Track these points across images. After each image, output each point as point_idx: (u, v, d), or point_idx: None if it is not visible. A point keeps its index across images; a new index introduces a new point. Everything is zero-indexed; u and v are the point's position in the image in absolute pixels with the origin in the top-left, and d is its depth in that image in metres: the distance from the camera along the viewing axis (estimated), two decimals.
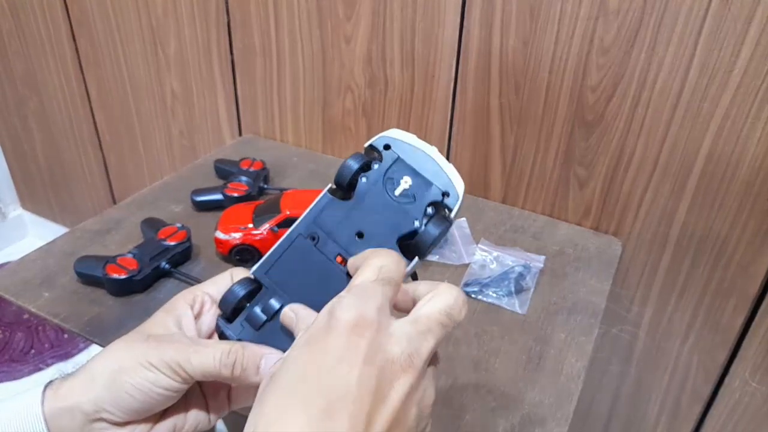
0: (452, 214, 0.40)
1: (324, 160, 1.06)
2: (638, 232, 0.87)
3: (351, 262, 0.39)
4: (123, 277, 0.69)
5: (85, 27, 1.25)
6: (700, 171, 0.79)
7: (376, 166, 0.41)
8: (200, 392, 0.42)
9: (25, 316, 1.58)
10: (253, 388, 0.37)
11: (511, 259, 0.79)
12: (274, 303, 0.39)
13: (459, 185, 0.40)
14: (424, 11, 0.87)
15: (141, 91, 1.26)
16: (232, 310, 0.40)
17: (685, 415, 0.98)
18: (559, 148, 0.87)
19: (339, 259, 0.40)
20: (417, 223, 0.39)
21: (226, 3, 1.04)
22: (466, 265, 0.79)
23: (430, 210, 0.40)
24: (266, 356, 0.38)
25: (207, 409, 0.42)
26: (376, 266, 0.35)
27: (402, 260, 0.37)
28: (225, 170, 0.94)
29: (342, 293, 0.34)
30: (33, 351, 1.49)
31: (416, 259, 0.39)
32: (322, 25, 0.96)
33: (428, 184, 0.40)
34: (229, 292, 0.40)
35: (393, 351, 0.31)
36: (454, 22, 0.85)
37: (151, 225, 0.79)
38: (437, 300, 0.34)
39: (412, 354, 0.31)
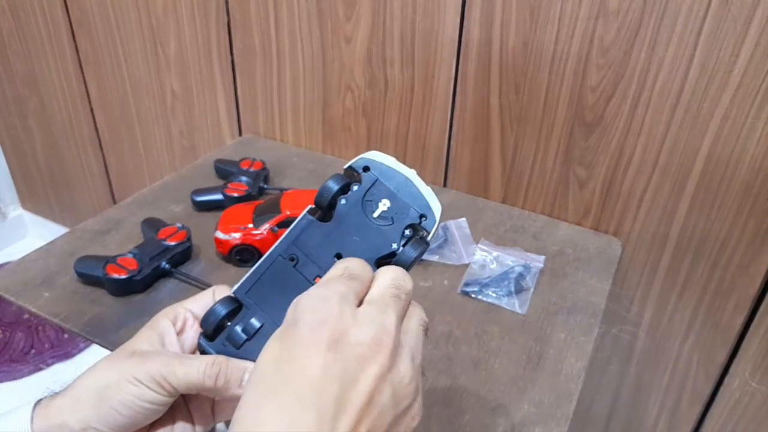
0: (429, 236, 0.40)
1: (324, 160, 1.06)
2: (638, 232, 0.87)
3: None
4: (123, 277, 0.69)
5: (85, 27, 1.25)
6: (700, 171, 0.79)
7: (355, 188, 0.41)
8: (185, 406, 0.43)
9: (26, 316, 1.58)
10: (237, 401, 0.36)
11: (511, 259, 0.79)
12: (255, 322, 0.40)
13: (436, 208, 0.41)
14: (424, 11, 0.87)
15: (141, 90, 1.26)
16: (213, 329, 0.40)
17: (684, 414, 0.98)
18: (559, 148, 0.87)
19: (318, 279, 0.40)
20: (395, 246, 0.40)
21: (226, 3, 1.04)
22: (466, 265, 0.79)
23: (407, 232, 0.40)
24: (248, 369, 0.38)
25: (192, 422, 0.42)
26: (342, 266, 0.36)
27: (367, 264, 0.37)
28: (225, 170, 0.94)
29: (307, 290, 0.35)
30: (33, 351, 1.49)
31: None
32: (322, 26, 0.96)
33: (406, 206, 0.41)
34: (211, 312, 0.40)
35: (358, 335, 0.31)
36: (454, 22, 0.85)
37: (151, 225, 0.79)
38: (381, 279, 0.35)
39: (378, 333, 0.32)
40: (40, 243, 0.78)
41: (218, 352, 0.40)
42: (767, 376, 0.87)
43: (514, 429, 0.57)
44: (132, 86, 1.27)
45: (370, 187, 0.41)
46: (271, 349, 0.32)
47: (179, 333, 0.43)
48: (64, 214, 1.70)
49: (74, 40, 1.29)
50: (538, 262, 0.79)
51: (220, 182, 0.91)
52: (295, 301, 0.34)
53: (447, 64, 0.89)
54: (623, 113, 0.80)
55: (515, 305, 0.73)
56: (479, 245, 0.82)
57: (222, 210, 0.80)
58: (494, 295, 0.74)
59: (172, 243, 0.74)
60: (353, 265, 0.36)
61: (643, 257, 0.89)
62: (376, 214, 0.41)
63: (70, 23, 1.27)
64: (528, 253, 0.81)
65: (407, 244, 0.39)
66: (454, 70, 0.89)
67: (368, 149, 1.04)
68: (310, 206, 0.42)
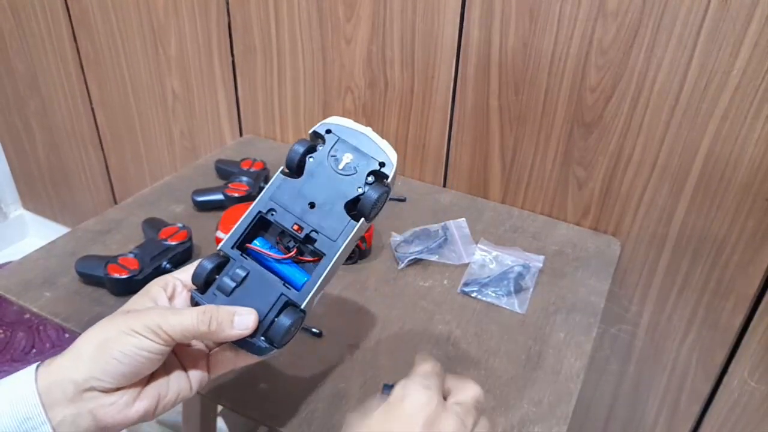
0: (389, 180, 0.46)
1: None
2: (637, 232, 0.88)
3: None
4: (124, 276, 0.69)
5: (86, 27, 1.25)
6: (699, 171, 0.79)
7: (320, 148, 0.47)
8: (179, 363, 0.47)
9: (27, 316, 1.58)
10: (230, 359, 0.47)
11: (510, 259, 0.80)
12: (240, 272, 0.45)
13: (392, 155, 0.46)
14: (424, 12, 0.87)
15: (142, 91, 1.26)
16: (203, 281, 0.45)
17: (684, 414, 0.98)
18: (558, 149, 0.88)
19: (296, 227, 0.46)
20: (360, 190, 0.46)
21: (227, 4, 1.04)
22: (466, 265, 0.79)
23: (370, 179, 0.46)
24: (238, 312, 0.44)
25: (188, 378, 0.46)
26: (431, 363, 0.43)
27: (438, 365, 0.44)
28: (226, 170, 0.95)
29: (412, 377, 0.42)
30: (34, 351, 1.50)
31: (362, 219, 0.46)
32: (322, 26, 0.96)
33: (366, 157, 0.46)
34: (200, 266, 0.46)
35: (448, 423, 0.39)
36: (454, 23, 0.86)
37: (152, 225, 0.79)
38: (471, 390, 0.42)
39: (460, 427, 0.39)
40: (41, 243, 0.79)
41: (210, 301, 0.45)
42: (766, 375, 0.87)
43: (514, 428, 0.58)
44: (133, 86, 1.27)
45: (333, 145, 0.47)
46: (377, 416, 0.39)
47: (170, 299, 0.47)
48: (65, 214, 1.70)
49: (75, 41, 1.29)
50: (537, 261, 0.80)
51: (221, 182, 0.91)
52: (403, 383, 0.41)
53: (447, 65, 0.89)
54: (622, 113, 0.81)
55: (515, 305, 0.73)
56: (479, 245, 0.82)
57: (223, 210, 0.81)
58: (494, 294, 0.74)
59: (173, 243, 0.75)
60: (438, 365, 0.43)
61: (642, 257, 0.89)
62: (341, 166, 0.46)
63: (71, 23, 1.27)
64: (527, 253, 0.82)
65: (370, 188, 0.45)
66: (454, 71, 0.89)
67: None
68: (282, 168, 0.47)
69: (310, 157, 0.47)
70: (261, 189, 0.90)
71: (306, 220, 0.46)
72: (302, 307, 0.45)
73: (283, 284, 0.46)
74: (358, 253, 0.79)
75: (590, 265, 0.82)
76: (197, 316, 0.42)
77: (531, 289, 0.76)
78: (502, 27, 0.83)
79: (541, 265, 0.79)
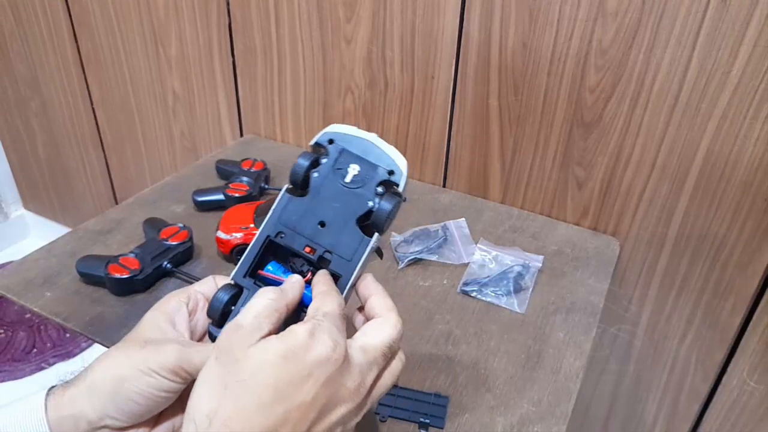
0: (400, 189, 0.43)
1: None
2: (636, 231, 0.88)
3: (315, 283, 0.42)
4: (125, 276, 0.69)
5: (87, 27, 1.25)
6: (698, 171, 0.80)
7: (324, 160, 0.44)
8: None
9: (27, 316, 1.58)
10: None
11: (510, 259, 0.80)
12: None
13: (401, 162, 0.44)
14: (424, 13, 0.87)
15: (142, 91, 1.26)
16: (220, 314, 0.42)
17: (683, 413, 0.98)
18: (557, 149, 0.88)
19: (308, 249, 0.43)
20: (371, 203, 0.43)
21: (227, 4, 1.04)
22: (466, 265, 0.79)
23: (380, 189, 0.43)
24: None
25: None
26: (337, 302, 0.41)
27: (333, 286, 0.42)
28: (226, 170, 0.95)
29: (319, 318, 0.38)
30: (35, 350, 1.50)
31: (376, 234, 0.43)
32: (322, 27, 0.97)
33: (374, 166, 0.43)
34: (215, 299, 0.42)
35: (346, 382, 0.37)
36: (454, 23, 0.86)
37: (153, 225, 0.79)
38: (383, 332, 0.40)
39: (359, 385, 0.38)
40: (41, 243, 0.79)
41: None
42: (765, 375, 0.87)
43: (513, 428, 0.58)
44: (133, 87, 1.27)
45: (337, 157, 0.44)
46: (274, 359, 0.36)
47: (191, 314, 0.44)
48: (65, 214, 1.71)
49: (76, 41, 1.29)
50: (536, 261, 0.80)
51: (222, 182, 0.91)
52: (309, 328, 0.37)
53: (447, 65, 0.89)
54: (622, 114, 0.81)
55: (514, 305, 0.73)
56: (478, 245, 0.82)
57: (223, 210, 0.81)
58: (493, 294, 0.74)
59: (174, 243, 0.75)
60: (340, 303, 0.41)
61: (642, 257, 0.89)
62: (348, 179, 0.43)
63: (72, 24, 1.27)
64: (527, 253, 0.82)
65: (382, 200, 0.42)
66: (454, 71, 0.89)
67: None
68: (286, 185, 0.44)
69: (315, 171, 0.44)
70: (261, 189, 0.91)
71: (318, 240, 0.43)
72: None
73: (303, 310, 0.42)
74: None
75: (590, 265, 0.82)
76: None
77: (530, 289, 0.76)
78: (501, 27, 0.83)
79: (540, 264, 0.80)
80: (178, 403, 0.42)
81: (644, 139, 0.81)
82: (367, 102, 1.00)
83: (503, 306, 0.73)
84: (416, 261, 0.80)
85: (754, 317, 0.84)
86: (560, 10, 0.78)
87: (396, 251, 0.81)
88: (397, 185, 0.43)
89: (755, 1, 0.67)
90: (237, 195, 0.87)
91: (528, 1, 0.79)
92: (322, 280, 0.42)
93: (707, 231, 0.82)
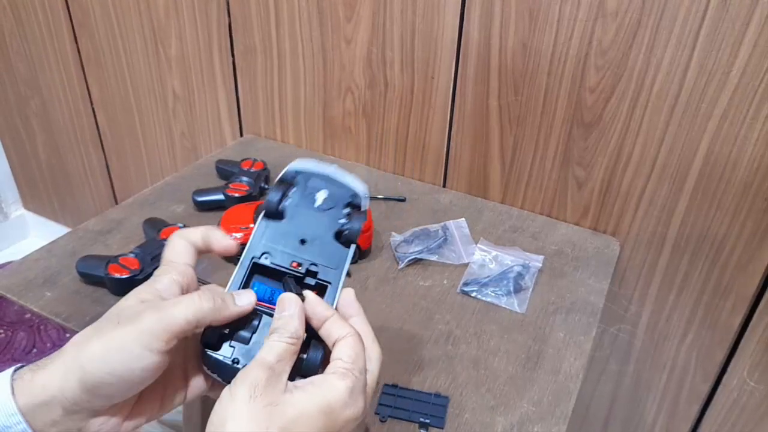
0: (364, 208, 0.49)
1: (325, 160, 1.06)
2: (636, 232, 0.88)
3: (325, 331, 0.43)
4: (125, 276, 0.69)
5: (87, 27, 1.25)
6: (698, 171, 0.80)
7: (293, 190, 0.49)
8: (181, 371, 0.44)
9: (27, 316, 1.58)
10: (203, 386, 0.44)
11: (510, 259, 0.80)
12: (254, 322, 0.44)
13: (361, 187, 0.50)
14: (424, 13, 0.87)
15: (142, 91, 1.26)
16: (217, 340, 0.43)
17: (683, 413, 0.98)
18: (557, 149, 0.88)
19: (294, 264, 0.47)
20: (342, 221, 0.48)
21: (227, 4, 1.04)
22: (466, 265, 0.79)
23: (346, 210, 0.49)
24: (236, 293, 0.43)
25: (186, 387, 0.44)
26: (363, 354, 0.42)
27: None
28: (226, 170, 0.95)
29: (357, 374, 0.40)
30: (35, 350, 1.50)
31: (353, 246, 0.48)
32: (322, 27, 0.97)
33: (338, 191, 0.49)
34: (211, 330, 0.42)
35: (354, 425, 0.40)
36: (454, 23, 0.86)
37: (153, 225, 0.79)
38: (371, 369, 0.43)
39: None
40: (42, 243, 0.79)
41: (231, 354, 0.42)
42: (765, 375, 0.87)
43: (513, 427, 0.58)
44: (133, 87, 1.27)
45: (305, 185, 0.50)
46: (317, 415, 0.38)
47: (185, 292, 0.43)
48: (65, 215, 1.71)
49: (76, 41, 1.30)
50: (536, 261, 0.80)
51: (222, 182, 0.91)
52: (350, 387, 0.39)
53: (447, 66, 0.90)
54: (622, 114, 0.81)
55: (514, 304, 0.73)
56: (478, 245, 0.82)
57: (223, 210, 0.81)
58: (493, 294, 0.74)
59: None
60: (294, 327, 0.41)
61: (642, 257, 0.89)
62: (318, 204, 0.49)
63: (72, 24, 1.27)
64: (527, 253, 0.82)
65: (352, 219, 0.48)
66: (454, 71, 0.89)
67: (368, 150, 1.05)
68: (263, 213, 0.48)
69: (287, 199, 0.49)
70: (261, 189, 0.91)
71: (302, 255, 0.47)
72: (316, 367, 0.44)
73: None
74: (359, 253, 0.79)
75: (589, 265, 0.82)
76: (198, 296, 0.40)
77: (530, 289, 0.76)
78: (501, 27, 0.83)
79: (540, 264, 0.80)
80: (158, 384, 0.41)
81: (644, 139, 0.81)
82: (367, 102, 1.00)
83: (503, 306, 0.73)
84: (416, 261, 0.80)
85: (754, 317, 0.85)
86: (560, 11, 0.78)
87: (396, 251, 0.81)
88: (359, 206, 0.49)
89: (755, 1, 0.67)
90: (237, 195, 0.87)
91: (528, 1, 0.79)
92: (360, 329, 0.44)
93: (707, 231, 0.83)
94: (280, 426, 0.36)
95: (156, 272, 0.43)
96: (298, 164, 0.50)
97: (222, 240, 0.46)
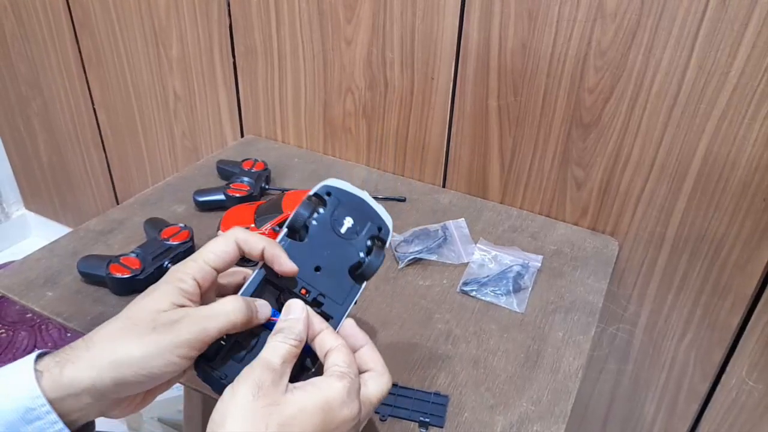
0: (386, 245, 0.49)
1: (325, 161, 1.07)
2: (635, 231, 0.88)
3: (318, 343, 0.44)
4: (126, 276, 0.70)
5: (88, 28, 1.26)
6: (697, 171, 0.80)
7: (321, 211, 0.48)
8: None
9: (29, 315, 1.58)
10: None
11: (509, 259, 0.80)
12: (252, 341, 0.44)
13: (389, 221, 0.49)
14: (424, 14, 0.87)
15: (143, 92, 1.26)
16: (214, 351, 0.43)
17: (682, 413, 0.98)
18: (556, 149, 0.88)
19: (303, 290, 0.46)
20: (362, 254, 0.48)
21: (228, 5, 1.04)
22: (465, 265, 0.80)
23: (369, 243, 0.48)
24: (257, 301, 0.44)
25: (189, 367, 0.45)
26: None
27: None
28: (227, 171, 0.95)
29: (353, 376, 0.41)
30: (36, 350, 1.50)
31: (365, 283, 0.48)
32: (322, 28, 0.97)
33: (365, 221, 0.49)
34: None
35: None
36: (453, 24, 0.86)
37: (154, 225, 0.79)
38: (380, 388, 0.43)
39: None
40: (43, 243, 0.79)
41: (220, 370, 0.43)
42: (764, 374, 0.87)
43: (513, 427, 0.58)
44: (134, 87, 1.27)
45: (334, 209, 0.48)
46: (313, 411, 0.39)
47: (205, 293, 0.44)
48: (67, 214, 1.71)
49: (77, 42, 1.30)
50: (536, 261, 0.80)
51: (222, 183, 0.91)
52: (348, 385, 0.40)
53: (446, 66, 0.90)
54: (620, 114, 0.81)
55: (513, 304, 0.73)
56: (478, 245, 0.83)
57: (224, 210, 0.81)
58: (493, 294, 0.75)
59: (175, 243, 0.75)
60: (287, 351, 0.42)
61: (640, 257, 0.89)
62: (343, 230, 0.48)
63: (73, 24, 1.28)
64: (526, 253, 0.82)
65: (371, 254, 0.48)
66: (453, 71, 0.90)
67: (368, 150, 1.05)
68: (285, 230, 0.48)
69: (313, 219, 0.48)
70: (262, 189, 0.91)
71: (313, 283, 0.46)
72: (313, 370, 0.45)
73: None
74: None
75: (588, 265, 0.82)
76: (233, 310, 0.41)
77: (530, 289, 0.76)
78: (501, 28, 0.83)
79: (539, 264, 0.80)
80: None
81: (643, 140, 0.81)
82: (367, 103, 1.00)
83: (502, 305, 0.73)
84: (416, 261, 0.80)
85: (753, 317, 0.85)
86: (559, 11, 0.78)
87: (396, 251, 0.81)
88: (385, 241, 0.49)
89: (754, 1, 0.68)
90: (238, 195, 0.87)
91: (527, 2, 0.80)
92: (351, 332, 0.45)
93: (706, 231, 0.83)
94: (279, 422, 0.37)
95: (188, 262, 0.44)
96: (331, 182, 0.50)
97: (285, 264, 0.45)
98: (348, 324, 0.46)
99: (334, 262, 0.47)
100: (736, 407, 0.92)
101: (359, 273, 0.47)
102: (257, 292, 0.46)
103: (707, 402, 0.95)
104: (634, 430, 1.05)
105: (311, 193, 0.49)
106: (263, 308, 0.44)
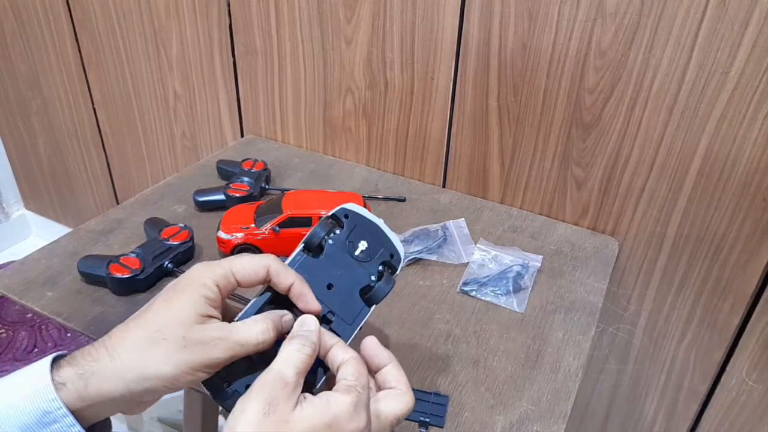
0: (397, 272, 0.51)
1: (325, 161, 1.07)
2: (635, 231, 0.88)
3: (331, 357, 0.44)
4: (126, 276, 0.70)
5: (88, 28, 1.26)
6: (697, 171, 0.80)
7: (338, 232, 0.50)
8: None
9: (29, 315, 1.58)
10: None
11: (509, 259, 0.80)
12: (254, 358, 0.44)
13: (401, 249, 0.51)
14: (424, 14, 0.87)
15: (143, 92, 1.26)
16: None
17: (682, 413, 0.98)
18: (556, 149, 0.88)
19: None
20: (373, 278, 0.49)
21: (228, 5, 1.04)
22: (465, 265, 0.80)
23: (380, 268, 0.50)
24: (284, 314, 0.45)
25: None
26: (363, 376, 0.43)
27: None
28: (227, 171, 0.95)
29: (360, 390, 0.41)
30: (36, 350, 1.50)
31: (373, 306, 0.49)
32: (322, 28, 0.97)
33: (380, 247, 0.50)
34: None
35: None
36: (454, 24, 0.86)
37: (154, 225, 0.79)
38: (401, 406, 0.43)
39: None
40: (43, 243, 0.79)
41: (224, 381, 0.43)
42: (764, 374, 0.87)
43: (513, 426, 0.58)
44: (134, 87, 1.27)
45: (351, 231, 0.50)
46: (319, 426, 0.39)
47: (226, 297, 0.45)
48: (67, 214, 1.71)
49: (77, 42, 1.30)
50: (536, 261, 0.80)
51: (222, 183, 0.91)
52: (354, 400, 0.40)
53: (446, 66, 0.90)
54: (620, 114, 0.81)
55: (513, 304, 0.73)
56: (478, 245, 0.83)
57: (224, 210, 0.81)
58: (493, 294, 0.75)
59: (175, 243, 0.75)
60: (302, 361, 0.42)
61: (640, 256, 0.89)
62: (357, 252, 0.50)
63: (73, 24, 1.28)
64: (526, 253, 0.82)
65: (381, 280, 0.49)
66: (453, 71, 0.90)
67: (369, 150, 1.05)
68: (301, 246, 0.49)
69: (330, 239, 0.49)
70: (262, 189, 0.91)
71: (324, 300, 0.47)
72: (317, 387, 0.45)
73: None
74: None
75: (588, 265, 0.82)
76: (260, 331, 0.43)
77: (530, 289, 0.76)
78: (501, 28, 0.83)
79: (539, 264, 0.80)
80: None
81: (643, 140, 0.81)
82: (367, 102, 1.00)
83: (502, 305, 0.73)
84: (416, 261, 0.80)
85: (753, 316, 0.85)
86: (560, 11, 0.78)
87: None
88: (396, 268, 0.51)
89: (754, 1, 0.68)
90: (238, 195, 0.87)
91: (527, 1, 0.80)
92: (374, 352, 0.45)
93: (706, 231, 0.83)
94: None
95: (213, 265, 0.44)
96: (350, 207, 0.51)
97: (311, 303, 0.45)
98: (371, 343, 0.46)
99: (347, 281, 0.48)
100: (736, 407, 0.92)
101: (368, 297, 0.49)
102: (267, 304, 0.46)
103: (707, 402, 0.95)
104: (634, 430, 1.05)
105: (329, 214, 0.51)
106: (288, 324, 0.45)
